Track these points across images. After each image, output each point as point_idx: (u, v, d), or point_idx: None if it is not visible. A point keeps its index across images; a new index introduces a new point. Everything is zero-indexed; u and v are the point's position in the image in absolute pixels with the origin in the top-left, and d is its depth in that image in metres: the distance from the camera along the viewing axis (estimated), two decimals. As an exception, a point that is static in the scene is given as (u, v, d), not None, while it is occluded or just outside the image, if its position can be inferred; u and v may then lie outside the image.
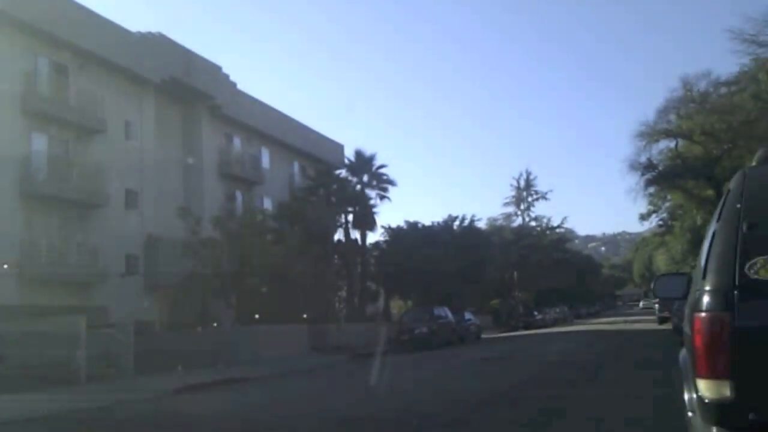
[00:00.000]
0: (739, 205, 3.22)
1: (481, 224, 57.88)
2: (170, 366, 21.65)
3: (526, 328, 53.11)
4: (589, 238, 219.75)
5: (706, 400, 2.92)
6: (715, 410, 2.89)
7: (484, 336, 40.66)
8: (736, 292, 2.88)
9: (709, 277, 3.01)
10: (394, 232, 45.88)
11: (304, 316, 33.30)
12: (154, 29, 34.33)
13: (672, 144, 32.21)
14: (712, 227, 3.39)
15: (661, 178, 29.09)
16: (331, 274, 38.27)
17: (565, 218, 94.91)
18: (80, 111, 27.90)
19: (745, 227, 3.05)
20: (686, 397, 3.23)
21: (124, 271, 29.11)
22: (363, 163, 41.67)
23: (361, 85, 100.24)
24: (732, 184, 3.50)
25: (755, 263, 2.88)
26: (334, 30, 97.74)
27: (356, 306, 41.45)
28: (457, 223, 49.16)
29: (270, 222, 33.69)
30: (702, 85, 29.08)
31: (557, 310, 65.82)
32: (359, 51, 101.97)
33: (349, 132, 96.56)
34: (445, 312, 34.68)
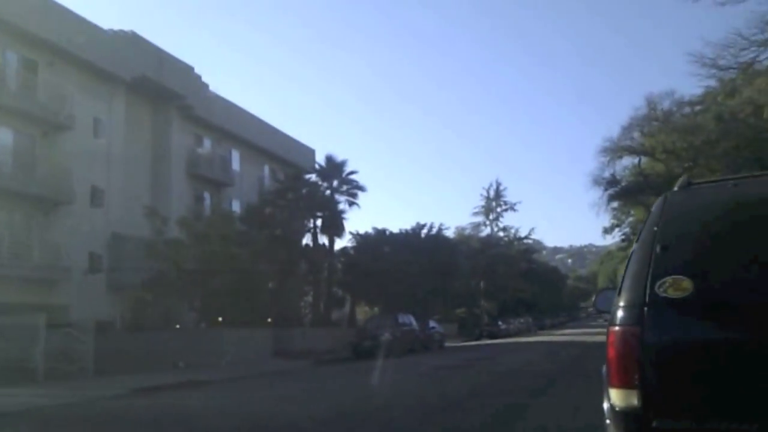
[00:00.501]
0: (656, 228, 3.47)
1: (450, 233, 58.30)
2: (131, 367, 21.54)
3: (491, 337, 53.59)
4: (557, 250, 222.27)
5: (617, 409, 3.15)
6: (624, 418, 3.12)
7: (448, 344, 40.96)
8: (646, 308, 3.12)
9: (624, 294, 3.25)
10: (362, 239, 46.01)
11: (269, 320, 33.23)
12: (126, 27, 34.14)
13: (635, 161, 33.06)
14: (633, 248, 3.63)
15: (623, 193, 29.79)
16: (298, 279, 38.23)
17: (532, 229, 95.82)
18: (48, 107, 27.62)
19: (658, 249, 3.29)
20: (605, 406, 3.45)
21: (87, 269, 28.82)
22: (333, 168, 41.76)
23: (335, 91, 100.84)
24: (653, 208, 3.76)
25: (664, 282, 3.12)
26: (308, 36, 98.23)
27: (322, 311, 41.47)
28: (425, 231, 49.45)
29: (238, 224, 33.63)
30: (665, 105, 30.00)
31: (521, 320, 66.47)
32: (334, 57, 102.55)
33: (321, 137, 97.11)
34: (410, 319, 34.89)
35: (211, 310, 30.17)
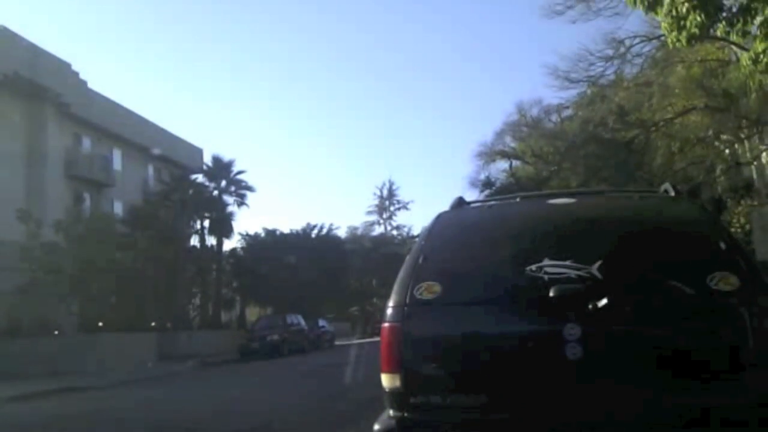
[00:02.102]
0: (423, 242, 4.20)
1: (342, 233, 59.06)
2: (6, 374, 20.80)
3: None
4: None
5: (387, 390, 3.81)
6: (390, 397, 3.78)
7: (338, 343, 41.61)
8: (406, 308, 3.80)
9: (392, 296, 3.92)
10: (251, 239, 45.95)
11: (153, 323, 32.70)
12: (-4, 21, 32.56)
13: (507, 164, 35.17)
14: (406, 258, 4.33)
15: (498, 194, 31.40)
16: (185, 281, 37.77)
17: (425, 227, 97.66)
18: None
19: (421, 259, 4.00)
20: None
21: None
22: (221, 168, 41.49)
23: (225, 89, 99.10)
24: (428, 224, 4.49)
25: (421, 287, 3.82)
26: (192, 32, 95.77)
27: (210, 313, 41.13)
28: (315, 231, 49.94)
29: (119, 226, 32.86)
30: (535, 111, 32.12)
31: (413, 317, 67.89)
32: (221, 55, 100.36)
33: (210, 137, 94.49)
34: (298, 319, 35.31)
35: (91, 314, 29.39)
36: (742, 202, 27.70)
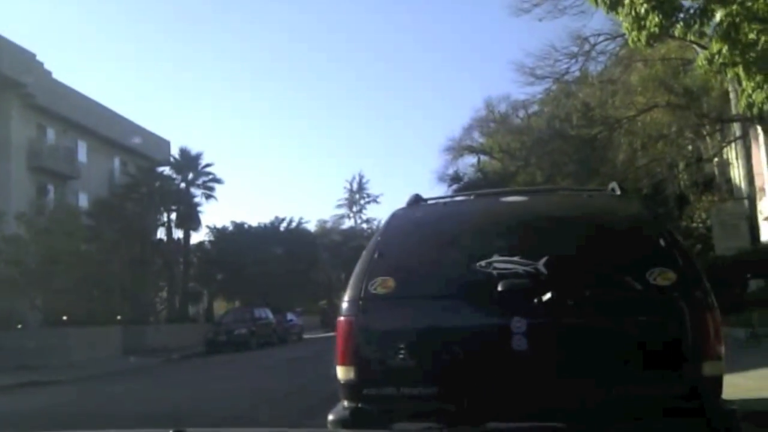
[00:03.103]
0: (379, 238, 4.31)
1: (311, 226, 58.97)
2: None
3: (351, 327, 54.77)
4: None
5: (341, 382, 3.93)
6: (345, 388, 3.90)
7: (307, 336, 41.61)
8: (361, 302, 3.91)
9: (347, 291, 4.03)
10: (219, 232, 45.67)
11: (119, 317, 32.34)
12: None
13: (475, 159, 35.51)
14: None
15: (465, 189, 31.71)
16: (152, 274, 37.41)
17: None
18: None
19: (376, 255, 4.11)
20: None
21: None
22: (188, 161, 41.12)
23: (193, 80, 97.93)
24: (384, 221, 4.61)
25: (375, 282, 3.93)
26: (159, 24, 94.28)
27: (178, 307, 40.82)
28: (284, 224, 49.79)
29: (85, 219, 32.43)
30: (502, 107, 32.45)
31: (381, 310, 68.18)
32: (190, 47, 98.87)
33: (178, 129, 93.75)
34: (266, 313, 35.24)
35: (56, 308, 29.01)
36: (704, 197, 28.40)
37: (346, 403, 3.90)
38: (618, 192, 4.74)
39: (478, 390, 3.67)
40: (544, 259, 3.72)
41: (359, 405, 3.81)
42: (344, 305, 3.99)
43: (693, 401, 3.50)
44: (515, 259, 3.77)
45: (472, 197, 5.16)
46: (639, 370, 3.60)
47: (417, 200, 4.90)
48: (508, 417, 3.58)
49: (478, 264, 3.79)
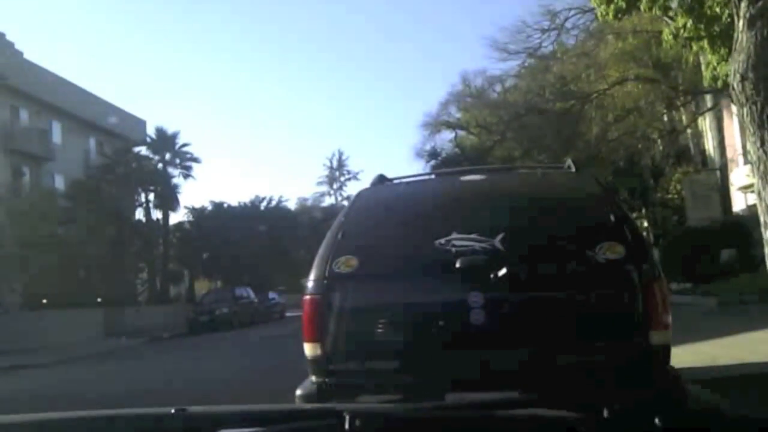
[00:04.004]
0: (342, 219, 4.43)
1: (291, 204, 58.88)
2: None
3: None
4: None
5: (309, 358, 4.06)
6: (312, 364, 4.04)
7: (289, 314, 41.72)
8: (325, 281, 4.04)
9: (313, 270, 4.15)
10: (198, 212, 45.51)
11: (99, 299, 32.28)
12: None
13: (452, 135, 35.57)
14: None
15: (443, 165, 31.85)
16: (131, 256, 37.28)
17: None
18: None
19: (340, 235, 4.23)
20: None
21: None
22: (165, 140, 40.80)
23: (168, 61, 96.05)
24: (348, 201, 4.73)
25: (338, 261, 4.05)
26: (135, 1, 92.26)
27: (158, 288, 40.77)
28: (264, 203, 49.72)
29: (61, 201, 32.17)
30: (479, 82, 32.46)
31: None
32: (166, 26, 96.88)
33: (154, 108, 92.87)
34: (247, 292, 35.33)
35: (35, 291, 28.88)
36: (678, 169, 28.75)
37: (313, 378, 4.04)
38: (573, 169, 4.89)
39: (438, 363, 3.83)
40: (500, 236, 3.86)
41: (325, 380, 3.95)
42: (309, 284, 4.11)
43: (641, 369, 3.68)
44: (473, 236, 3.90)
45: (433, 177, 5.28)
46: (590, 340, 3.78)
47: (381, 180, 5.01)
48: (467, 388, 3.75)
49: (437, 242, 3.92)
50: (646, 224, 28.60)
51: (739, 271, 17.42)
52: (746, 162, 19.54)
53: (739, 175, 22.78)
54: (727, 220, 22.62)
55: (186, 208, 45.10)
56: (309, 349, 4.04)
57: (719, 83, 10.62)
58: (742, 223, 20.08)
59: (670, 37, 10.63)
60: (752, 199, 23.78)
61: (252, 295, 35.68)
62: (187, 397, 9.58)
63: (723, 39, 9.95)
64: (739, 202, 24.46)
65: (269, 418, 1.57)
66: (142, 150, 41.39)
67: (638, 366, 3.69)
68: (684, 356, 6.02)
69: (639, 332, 3.72)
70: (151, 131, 43.30)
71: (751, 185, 22.33)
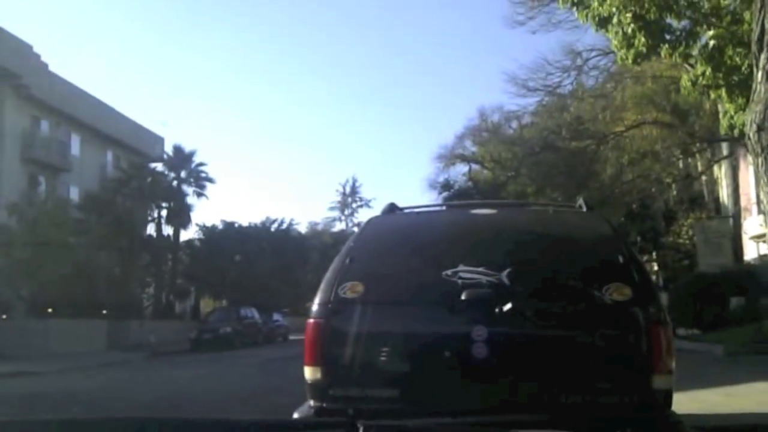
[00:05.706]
0: (351, 244, 4.44)
1: (302, 228, 58.99)
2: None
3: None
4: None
5: (309, 382, 4.05)
6: (311, 388, 4.03)
7: (293, 337, 41.55)
8: (330, 305, 4.04)
9: (318, 294, 4.16)
10: (209, 231, 45.65)
11: (104, 311, 32.32)
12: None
13: (466, 168, 35.69)
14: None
15: (455, 198, 31.94)
16: (139, 269, 37.39)
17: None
18: None
19: (347, 261, 4.25)
20: None
21: None
22: (182, 158, 41.16)
23: (189, 80, 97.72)
24: (359, 228, 4.76)
25: (345, 286, 4.06)
26: (159, 19, 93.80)
27: (164, 303, 40.80)
28: (275, 225, 49.83)
29: (75, 211, 32.42)
30: (495, 117, 32.65)
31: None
32: (189, 47, 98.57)
33: (174, 126, 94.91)
34: (252, 312, 35.27)
35: (42, 299, 29.00)
36: (691, 214, 28.67)
37: (312, 402, 4.02)
38: (584, 208, 4.90)
39: (437, 394, 3.81)
40: (507, 271, 3.86)
41: (324, 405, 3.93)
42: (314, 308, 4.11)
43: (642, 413, 3.65)
44: (480, 269, 3.91)
45: (444, 208, 5.32)
46: (592, 380, 3.76)
47: (392, 209, 5.04)
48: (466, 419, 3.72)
49: (444, 273, 3.93)
50: (656, 267, 28.45)
51: (745, 320, 17.26)
52: (760, 212, 19.47)
53: (753, 224, 22.67)
54: (738, 268, 22.45)
55: (197, 225, 45.37)
56: (309, 373, 4.03)
57: (736, 132, 10.63)
58: (753, 272, 19.92)
59: (689, 83, 10.68)
60: (765, 248, 23.68)
61: (257, 315, 35.61)
62: (180, 412, 9.55)
63: (741, 89, 10.00)
64: (751, 251, 24.31)
65: (286, 428, 1.59)
66: (158, 166, 41.76)
67: (639, 409, 3.66)
68: (687, 403, 5.96)
69: (641, 375, 3.70)
70: (168, 149, 43.80)
71: (764, 235, 22.21)
